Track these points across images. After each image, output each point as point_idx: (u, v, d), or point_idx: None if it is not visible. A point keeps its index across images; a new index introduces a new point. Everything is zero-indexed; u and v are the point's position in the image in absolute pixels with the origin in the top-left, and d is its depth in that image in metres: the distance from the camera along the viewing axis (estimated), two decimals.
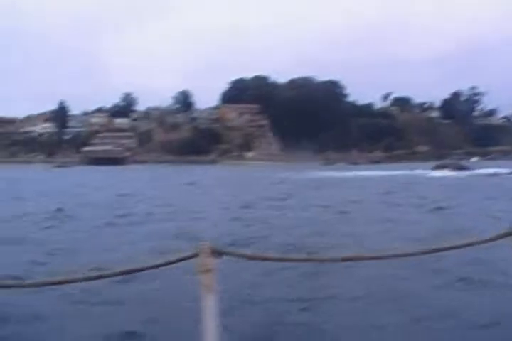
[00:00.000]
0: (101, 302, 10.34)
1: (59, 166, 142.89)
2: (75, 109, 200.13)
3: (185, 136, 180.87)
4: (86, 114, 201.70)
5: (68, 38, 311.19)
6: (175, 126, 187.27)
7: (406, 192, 40.34)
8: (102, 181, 69.67)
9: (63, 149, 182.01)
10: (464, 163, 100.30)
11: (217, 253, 3.34)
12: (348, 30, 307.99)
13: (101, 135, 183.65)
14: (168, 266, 3.52)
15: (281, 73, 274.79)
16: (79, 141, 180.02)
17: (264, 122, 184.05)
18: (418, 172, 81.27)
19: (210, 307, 3.27)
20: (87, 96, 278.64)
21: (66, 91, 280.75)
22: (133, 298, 10.73)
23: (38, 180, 71.50)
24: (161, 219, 24.75)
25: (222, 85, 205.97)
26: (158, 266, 3.49)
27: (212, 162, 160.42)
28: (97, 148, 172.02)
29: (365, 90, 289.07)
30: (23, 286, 4.20)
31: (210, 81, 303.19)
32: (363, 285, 11.65)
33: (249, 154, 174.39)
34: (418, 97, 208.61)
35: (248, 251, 3.86)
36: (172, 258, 3.49)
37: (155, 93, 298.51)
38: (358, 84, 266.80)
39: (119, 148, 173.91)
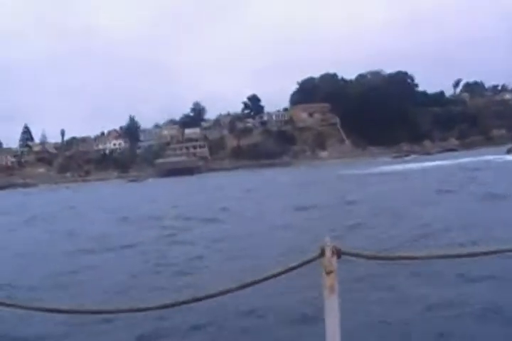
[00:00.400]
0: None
1: (132, 181, 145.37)
2: (146, 123, 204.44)
3: (257, 140, 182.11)
4: (157, 126, 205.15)
5: (134, 52, 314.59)
6: (246, 131, 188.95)
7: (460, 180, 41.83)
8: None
9: (137, 163, 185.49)
10: None
11: (339, 253, 3.33)
12: (411, 17, 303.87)
13: (173, 146, 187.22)
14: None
15: (349, 69, 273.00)
16: (151, 154, 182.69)
17: (336, 120, 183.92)
18: (489, 157, 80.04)
19: (332, 308, 3.29)
20: (158, 109, 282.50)
21: (137, 106, 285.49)
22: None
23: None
24: None
25: (292, 86, 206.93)
26: (283, 273, 3.46)
27: (287, 164, 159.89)
28: (169, 159, 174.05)
29: (435, 79, 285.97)
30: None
31: (279, 83, 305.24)
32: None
33: (323, 153, 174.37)
34: (490, 80, 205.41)
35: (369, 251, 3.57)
36: (295, 261, 3.45)
37: (225, 100, 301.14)
38: (428, 73, 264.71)
39: (192, 158, 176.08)
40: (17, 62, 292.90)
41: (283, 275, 3.47)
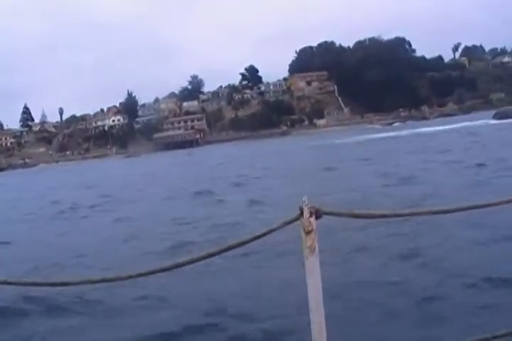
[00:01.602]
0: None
1: (129, 156, 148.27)
2: (146, 98, 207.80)
3: (255, 110, 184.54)
4: (157, 101, 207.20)
5: (133, 27, 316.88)
6: (243, 102, 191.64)
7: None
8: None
9: (135, 139, 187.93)
10: None
11: (317, 213, 3.42)
12: None
13: (171, 120, 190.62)
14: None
15: (349, 36, 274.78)
16: (150, 129, 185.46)
17: (333, 88, 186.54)
18: (480, 122, 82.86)
19: (313, 268, 3.44)
20: (158, 84, 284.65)
21: (136, 81, 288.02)
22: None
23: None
24: None
25: (291, 55, 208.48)
26: (265, 235, 3.56)
27: (284, 133, 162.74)
28: (167, 133, 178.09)
29: (435, 44, 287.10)
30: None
31: (278, 54, 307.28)
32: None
33: (321, 122, 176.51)
34: (491, 44, 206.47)
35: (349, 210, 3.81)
36: (276, 224, 3.56)
37: (224, 73, 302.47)
38: (428, 38, 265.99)
39: (190, 131, 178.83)
40: (15, 42, 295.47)
41: (266, 238, 3.61)
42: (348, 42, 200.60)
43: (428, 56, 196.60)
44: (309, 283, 3.42)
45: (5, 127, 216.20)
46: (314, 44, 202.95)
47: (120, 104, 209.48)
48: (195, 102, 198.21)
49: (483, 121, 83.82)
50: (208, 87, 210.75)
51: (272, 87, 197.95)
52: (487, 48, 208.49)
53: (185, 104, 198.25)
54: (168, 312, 10.52)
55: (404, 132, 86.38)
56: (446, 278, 10.68)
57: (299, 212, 3.37)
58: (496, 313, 8.46)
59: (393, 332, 8.45)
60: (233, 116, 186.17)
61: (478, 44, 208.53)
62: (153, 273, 3.60)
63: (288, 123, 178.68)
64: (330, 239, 13.07)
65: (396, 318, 8.99)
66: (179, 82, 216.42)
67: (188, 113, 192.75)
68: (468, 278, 10.44)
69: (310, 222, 3.33)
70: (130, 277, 3.66)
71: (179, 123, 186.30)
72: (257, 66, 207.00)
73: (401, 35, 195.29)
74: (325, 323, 3.41)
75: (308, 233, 3.35)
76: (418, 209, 4.14)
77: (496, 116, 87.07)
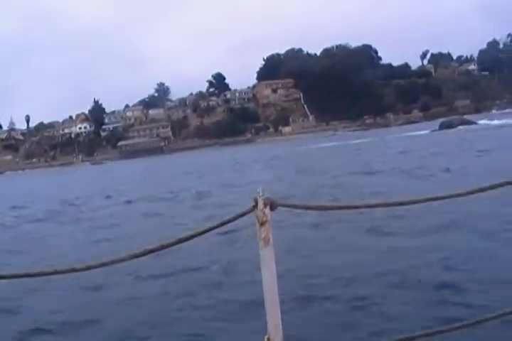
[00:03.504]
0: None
1: (93, 164, 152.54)
2: (116, 105, 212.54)
3: (220, 118, 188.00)
4: (126, 108, 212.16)
5: (102, 35, 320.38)
6: (209, 110, 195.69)
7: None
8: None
9: (102, 146, 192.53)
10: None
11: (272, 204, 3.47)
12: None
13: (136, 128, 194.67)
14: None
15: (316, 44, 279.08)
16: (116, 137, 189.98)
17: (299, 95, 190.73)
18: (422, 132, 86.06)
19: (268, 259, 3.49)
20: (128, 91, 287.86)
21: (106, 88, 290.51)
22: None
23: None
24: None
25: (259, 63, 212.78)
26: (219, 226, 3.61)
27: (249, 141, 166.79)
28: (131, 141, 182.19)
29: (404, 52, 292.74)
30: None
31: (247, 61, 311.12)
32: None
33: (286, 129, 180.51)
34: (458, 51, 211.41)
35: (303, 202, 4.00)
36: (230, 215, 3.60)
37: (193, 79, 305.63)
38: (396, 46, 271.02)
39: (155, 139, 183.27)
40: None
41: (220, 229, 3.67)
42: (317, 49, 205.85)
43: (397, 63, 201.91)
44: (264, 275, 3.56)
45: None
46: (283, 51, 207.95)
47: (89, 111, 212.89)
48: (161, 110, 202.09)
49: (425, 131, 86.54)
50: (178, 95, 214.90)
51: (238, 95, 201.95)
52: (455, 56, 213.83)
53: (151, 111, 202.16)
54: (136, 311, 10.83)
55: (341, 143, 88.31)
56: (397, 267, 11.32)
57: (253, 204, 3.50)
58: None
59: (349, 323, 8.80)
60: (198, 123, 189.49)
61: (445, 51, 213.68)
62: (91, 268, 3.54)
63: (253, 130, 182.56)
64: (287, 231, 14.58)
65: (351, 309, 9.44)
66: (148, 90, 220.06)
67: (153, 120, 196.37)
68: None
69: (264, 213, 3.46)
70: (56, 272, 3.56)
71: (145, 130, 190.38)
72: (226, 74, 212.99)
73: (370, 42, 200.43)
74: (280, 314, 3.55)
75: (262, 224, 3.49)
76: (374, 201, 4.33)
77: (441, 126, 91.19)
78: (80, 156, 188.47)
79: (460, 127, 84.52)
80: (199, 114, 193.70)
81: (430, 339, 4.06)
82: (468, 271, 10.50)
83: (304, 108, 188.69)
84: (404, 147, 53.54)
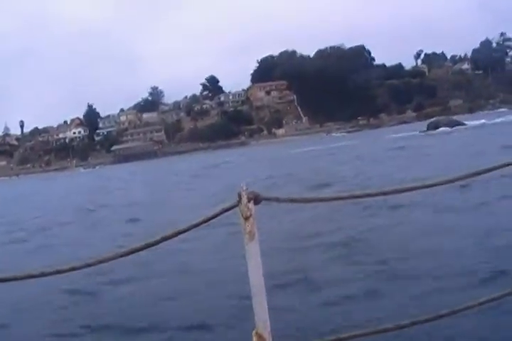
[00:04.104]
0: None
1: (87, 168, 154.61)
2: (110, 110, 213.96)
3: (214, 121, 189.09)
4: (121, 112, 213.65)
5: (96, 39, 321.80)
6: (202, 113, 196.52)
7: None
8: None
9: (96, 151, 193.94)
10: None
11: (256, 199, 3.51)
12: None
13: (130, 132, 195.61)
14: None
15: (310, 46, 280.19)
16: (110, 141, 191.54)
17: (293, 97, 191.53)
18: (411, 133, 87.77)
19: (253, 253, 3.52)
20: (123, 95, 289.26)
21: (100, 93, 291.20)
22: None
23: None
24: None
25: (253, 65, 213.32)
26: (203, 223, 3.62)
27: (243, 144, 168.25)
28: (125, 145, 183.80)
29: (398, 52, 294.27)
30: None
31: (240, 64, 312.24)
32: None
33: (280, 131, 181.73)
34: (452, 51, 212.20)
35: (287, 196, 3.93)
36: (214, 211, 3.63)
37: (187, 83, 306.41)
38: (390, 46, 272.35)
39: (148, 143, 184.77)
40: None
41: (205, 225, 3.67)
42: (310, 51, 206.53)
43: (391, 64, 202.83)
44: (250, 269, 3.59)
45: None
46: (277, 53, 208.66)
47: (84, 116, 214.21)
48: (155, 113, 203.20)
49: (413, 132, 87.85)
50: (172, 98, 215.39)
51: (231, 97, 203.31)
52: (449, 55, 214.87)
53: (145, 115, 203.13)
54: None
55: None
56: (385, 257, 11.87)
57: (237, 199, 3.53)
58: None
59: (336, 316, 8.92)
60: (192, 127, 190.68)
61: (439, 51, 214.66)
62: (76, 269, 3.54)
63: (247, 133, 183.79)
64: (272, 225, 15.02)
65: (340, 301, 9.67)
66: (142, 94, 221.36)
67: (147, 124, 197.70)
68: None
69: (248, 207, 3.49)
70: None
71: (138, 134, 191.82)
72: (220, 76, 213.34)
73: (364, 43, 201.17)
74: (267, 308, 3.59)
75: (246, 218, 3.51)
76: (359, 191, 4.05)
77: (428, 126, 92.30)
78: (74, 161, 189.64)
79: (442, 128, 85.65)
80: (193, 118, 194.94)
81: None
82: None
83: (297, 110, 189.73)
84: (368, 151, 56.38)
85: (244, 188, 3.50)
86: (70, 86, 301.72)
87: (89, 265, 3.54)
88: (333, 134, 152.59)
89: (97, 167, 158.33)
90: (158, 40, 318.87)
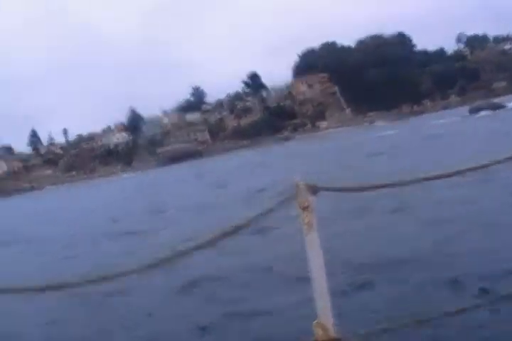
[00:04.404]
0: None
1: (131, 173, 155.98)
2: (153, 112, 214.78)
3: (257, 118, 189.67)
4: (163, 114, 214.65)
5: (134, 43, 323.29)
6: (245, 111, 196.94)
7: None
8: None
9: (140, 155, 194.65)
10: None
11: (313, 189, 3.58)
12: None
13: (173, 133, 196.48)
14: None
15: (351, 36, 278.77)
16: (154, 144, 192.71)
17: (335, 89, 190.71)
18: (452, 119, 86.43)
19: (313, 244, 3.60)
20: (164, 97, 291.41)
21: (142, 96, 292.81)
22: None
23: None
24: None
25: (294, 59, 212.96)
26: (262, 215, 3.69)
27: (287, 138, 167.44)
28: (170, 147, 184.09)
29: (439, 37, 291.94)
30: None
31: (282, 58, 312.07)
32: None
33: (323, 124, 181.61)
34: (495, 31, 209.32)
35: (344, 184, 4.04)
36: (271, 203, 3.69)
37: (228, 81, 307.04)
38: (431, 31, 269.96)
39: (192, 143, 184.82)
40: (19, 65, 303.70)
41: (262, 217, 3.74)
42: (351, 41, 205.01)
43: (432, 49, 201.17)
44: (311, 259, 3.67)
45: (15, 151, 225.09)
46: (317, 46, 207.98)
47: (127, 120, 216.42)
48: (198, 113, 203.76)
49: (455, 118, 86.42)
50: (214, 97, 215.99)
51: (274, 93, 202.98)
52: (491, 37, 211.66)
53: (188, 116, 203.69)
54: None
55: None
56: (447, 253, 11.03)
57: (294, 190, 3.63)
58: None
59: (397, 306, 8.64)
60: (235, 124, 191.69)
61: (481, 33, 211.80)
62: (152, 267, 3.73)
63: (290, 127, 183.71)
64: (328, 215, 14.27)
65: (400, 293, 9.30)
66: (183, 94, 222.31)
67: (190, 125, 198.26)
68: None
69: (306, 198, 3.58)
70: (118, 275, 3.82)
71: (182, 136, 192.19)
72: (262, 73, 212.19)
73: (403, 29, 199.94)
74: (329, 299, 3.68)
75: (305, 209, 3.60)
76: (414, 177, 4.09)
77: (470, 111, 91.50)
78: (119, 166, 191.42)
79: (484, 112, 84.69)
80: (236, 115, 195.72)
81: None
82: None
83: (340, 101, 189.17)
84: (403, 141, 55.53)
85: (300, 180, 3.60)
86: (112, 90, 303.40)
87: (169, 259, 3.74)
88: (376, 124, 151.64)
89: (146, 170, 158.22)
90: (198, 39, 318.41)
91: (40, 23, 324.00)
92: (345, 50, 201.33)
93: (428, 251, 11.32)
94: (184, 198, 38.14)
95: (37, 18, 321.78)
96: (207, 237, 3.73)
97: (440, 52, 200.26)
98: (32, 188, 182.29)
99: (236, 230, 3.68)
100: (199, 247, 3.70)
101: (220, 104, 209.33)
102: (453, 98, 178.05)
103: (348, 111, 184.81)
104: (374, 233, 13.94)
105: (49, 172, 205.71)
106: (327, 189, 3.76)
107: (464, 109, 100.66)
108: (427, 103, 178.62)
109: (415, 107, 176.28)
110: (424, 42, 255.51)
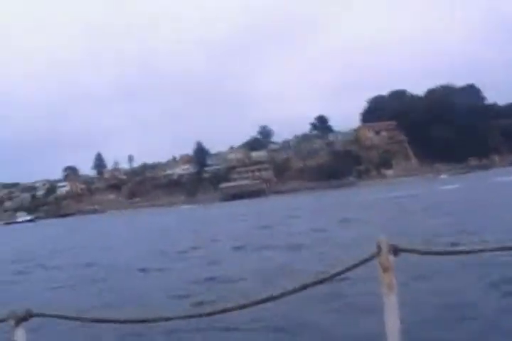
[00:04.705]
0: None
1: (192, 205, 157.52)
2: (218, 147, 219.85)
3: (323, 161, 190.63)
4: (228, 150, 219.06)
5: (203, 78, 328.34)
6: (311, 152, 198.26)
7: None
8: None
9: (203, 188, 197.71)
10: None
11: (395, 250, 3.57)
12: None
13: (238, 170, 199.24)
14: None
15: (419, 86, 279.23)
16: (218, 178, 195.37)
17: (402, 137, 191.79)
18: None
19: (391, 305, 3.53)
20: (230, 132, 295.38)
21: (209, 130, 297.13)
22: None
23: None
24: None
25: (363, 105, 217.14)
26: (343, 272, 3.73)
27: (351, 184, 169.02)
28: (234, 183, 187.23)
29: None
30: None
31: (351, 103, 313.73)
32: None
33: (389, 172, 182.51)
34: None
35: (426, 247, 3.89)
36: (353, 260, 3.72)
37: (295, 121, 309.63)
38: (501, 84, 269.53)
39: (256, 181, 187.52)
40: (87, 92, 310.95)
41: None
42: (420, 90, 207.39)
43: (503, 103, 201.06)
44: (387, 321, 3.59)
45: (79, 173, 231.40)
46: (386, 93, 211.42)
47: (193, 152, 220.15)
48: (264, 152, 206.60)
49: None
50: (281, 137, 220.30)
51: (340, 137, 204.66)
52: None
53: (253, 153, 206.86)
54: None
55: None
56: None
57: (376, 249, 3.63)
58: None
59: None
60: (301, 165, 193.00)
61: None
62: (231, 310, 3.85)
63: (355, 173, 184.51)
64: (406, 276, 13.40)
65: None
66: (250, 131, 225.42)
67: (255, 162, 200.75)
68: None
69: (388, 259, 3.56)
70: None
71: (247, 172, 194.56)
72: (329, 115, 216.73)
73: (473, 81, 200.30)
74: None
75: (386, 270, 3.58)
76: (504, 243, 3.78)
77: None
78: (182, 197, 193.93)
79: None
80: (301, 157, 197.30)
81: None
82: None
83: (407, 150, 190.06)
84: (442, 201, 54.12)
85: (384, 239, 3.68)
86: (179, 123, 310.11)
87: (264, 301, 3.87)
88: (441, 176, 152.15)
89: (208, 204, 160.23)
90: (269, 78, 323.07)
91: (110, 52, 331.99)
92: (413, 98, 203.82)
93: None
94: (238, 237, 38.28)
95: (108, 45, 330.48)
96: (284, 289, 3.83)
97: (510, 106, 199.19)
98: (95, 211, 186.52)
99: (314, 284, 3.82)
100: (275, 298, 3.83)
101: (286, 144, 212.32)
102: None
103: (414, 160, 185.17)
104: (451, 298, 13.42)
105: (112, 196, 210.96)
106: (410, 251, 3.79)
107: None
108: (495, 157, 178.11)
109: (483, 161, 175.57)
110: (494, 95, 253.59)
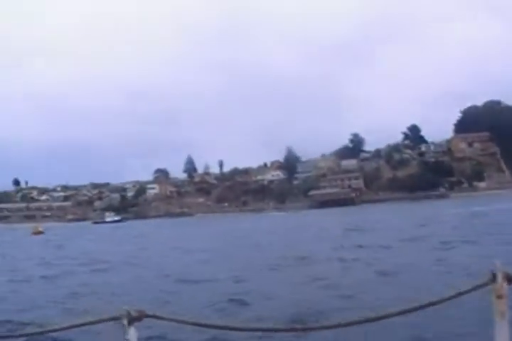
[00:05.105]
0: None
1: (279, 212, 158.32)
2: (308, 154, 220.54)
3: (413, 171, 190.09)
4: (320, 157, 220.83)
5: (300, 86, 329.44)
6: (402, 162, 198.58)
7: None
8: None
9: (293, 195, 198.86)
10: None
11: (509, 278, 3.55)
12: None
13: (328, 178, 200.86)
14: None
15: None
16: (307, 186, 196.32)
17: (495, 149, 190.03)
18: None
19: (503, 334, 3.50)
20: (321, 140, 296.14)
21: (300, 137, 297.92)
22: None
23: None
24: None
25: (457, 115, 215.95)
26: (454, 297, 3.71)
27: (443, 196, 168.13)
28: (324, 191, 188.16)
29: None
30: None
31: (445, 113, 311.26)
32: None
33: (481, 184, 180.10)
34: None
35: None
36: (466, 286, 3.69)
37: (387, 131, 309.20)
38: None
39: (346, 190, 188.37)
40: (186, 98, 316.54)
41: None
42: None
43: None
44: None
45: (170, 176, 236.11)
46: (480, 103, 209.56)
47: (284, 159, 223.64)
48: (354, 161, 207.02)
49: None
50: (372, 145, 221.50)
51: (432, 148, 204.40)
52: None
53: (344, 162, 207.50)
54: None
55: None
56: None
57: (490, 276, 3.61)
58: None
59: None
60: (391, 175, 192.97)
61: None
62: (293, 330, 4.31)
63: (446, 185, 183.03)
64: None
65: None
66: (341, 140, 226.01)
67: (345, 171, 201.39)
68: None
69: (503, 286, 3.55)
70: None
71: (336, 181, 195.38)
72: (422, 125, 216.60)
73: None
74: None
75: (500, 298, 3.56)
76: None
77: None
78: (271, 203, 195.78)
79: None
80: (392, 166, 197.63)
81: None
82: None
83: (500, 163, 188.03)
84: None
85: (498, 267, 3.69)
86: (271, 129, 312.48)
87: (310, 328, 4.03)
88: None
89: (292, 211, 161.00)
90: (363, 87, 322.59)
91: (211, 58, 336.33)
92: (509, 109, 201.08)
93: None
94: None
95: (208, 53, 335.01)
96: (393, 310, 3.88)
97: None
98: (183, 213, 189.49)
99: (426, 306, 3.85)
100: (379, 318, 3.89)
101: (377, 153, 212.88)
102: None
103: (507, 173, 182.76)
104: None
105: (201, 200, 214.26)
106: None
107: None
108: None
109: None
110: None
